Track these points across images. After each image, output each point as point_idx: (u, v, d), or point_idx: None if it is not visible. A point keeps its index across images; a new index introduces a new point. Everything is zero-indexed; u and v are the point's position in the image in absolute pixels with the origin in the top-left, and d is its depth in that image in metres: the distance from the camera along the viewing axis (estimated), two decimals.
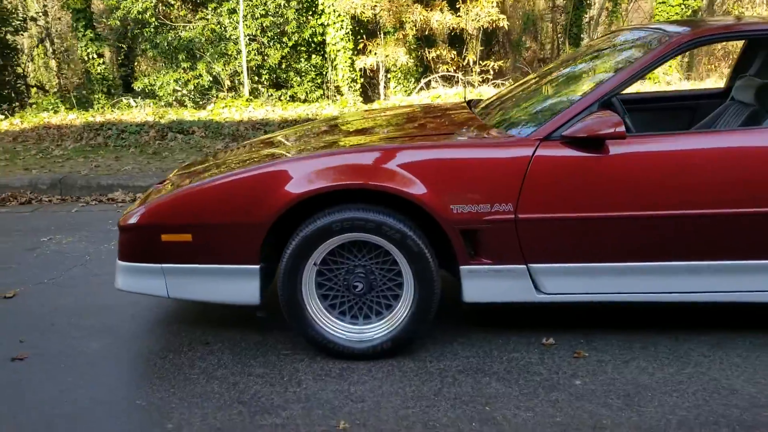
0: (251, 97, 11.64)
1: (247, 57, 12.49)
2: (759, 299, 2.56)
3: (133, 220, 2.66)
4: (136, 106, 9.73)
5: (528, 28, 14.34)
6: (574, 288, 2.58)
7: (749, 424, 2.12)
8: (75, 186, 5.67)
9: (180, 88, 12.60)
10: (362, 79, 11.78)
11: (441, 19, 9.36)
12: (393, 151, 2.54)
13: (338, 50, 11.74)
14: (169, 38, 12.37)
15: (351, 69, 11.95)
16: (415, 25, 9.46)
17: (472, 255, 2.55)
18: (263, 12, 12.72)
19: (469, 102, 3.54)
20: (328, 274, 2.63)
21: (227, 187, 2.58)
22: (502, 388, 2.40)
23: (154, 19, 12.54)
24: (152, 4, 12.32)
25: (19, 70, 17.95)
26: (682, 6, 10.80)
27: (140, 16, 12.39)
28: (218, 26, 12.94)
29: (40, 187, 5.73)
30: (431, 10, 9.57)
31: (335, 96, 12.79)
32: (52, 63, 19.67)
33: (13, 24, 16.65)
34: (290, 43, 13.04)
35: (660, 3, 11.01)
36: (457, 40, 11.94)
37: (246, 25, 12.61)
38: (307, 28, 13.00)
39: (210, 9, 13.20)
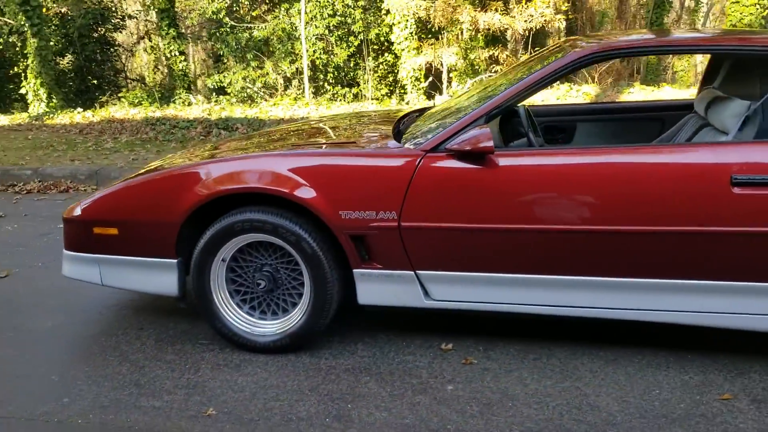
0: (312, 95, 12.00)
1: (313, 56, 12.86)
2: (640, 317, 2.53)
3: (72, 214, 2.95)
4: (196, 103, 10.26)
5: (602, 27, 13.94)
6: (460, 296, 2.65)
7: None
8: (109, 177, 6.14)
9: (250, 86, 13.14)
10: (426, 78, 11.82)
11: (488, 20, 9.32)
12: (290, 157, 2.69)
13: (402, 49, 11.89)
14: (240, 37, 12.92)
15: (414, 68, 12.07)
16: (464, 26, 9.47)
17: (366, 259, 2.67)
18: (331, 12, 13.05)
19: (415, 112, 3.62)
20: (239, 271, 2.82)
21: (145, 187, 2.82)
22: (376, 388, 2.51)
23: (227, 18, 13.13)
24: (225, 5, 12.91)
25: (119, 65, 19.23)
26: (757, 6, 10.21)
27: (215, 16, 13.02)
28: (290, 26, 13.40)
29: (78, 177, 6.24)
30: (484, 10, 9.54)
31: (402, 94, 12.96)
32: (147, 59, 20.86)
33: (113, 22, 17.83)
34: (356, 42, 13.31)
35: (733, 3, 10.45)
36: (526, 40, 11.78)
37: (315, 25, 12.99)
38: (374, 27, 13.23)
39: (283, 9, 13.69)
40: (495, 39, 10.85)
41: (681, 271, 2.43)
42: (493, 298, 2.62)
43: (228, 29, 13.66)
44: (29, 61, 12.30)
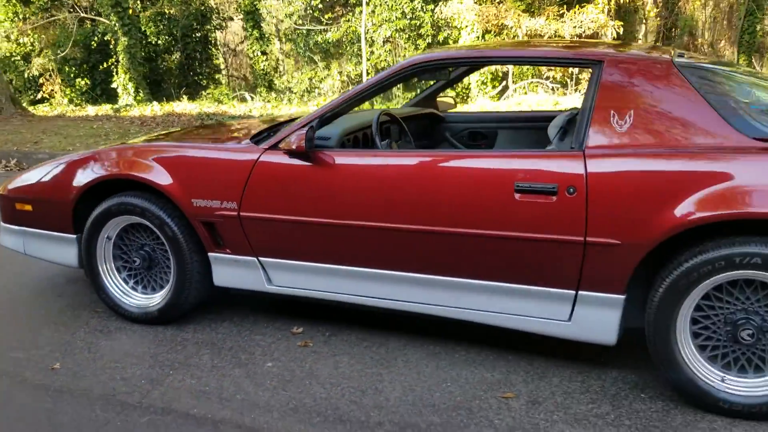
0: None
1: (378, 57, 13.19)
2: (440, 313, 2.65)
3: (2, 191, 3.41)
4: (251, 100, 10.84)
5: (683, 34, 13.38)
6: (296, 283, 2.87)
7: (325, 412, 2.31)
8: None
9: (318, 84, 13.67)
10: (501, 82, 11.78)
11: (531, 25, 9.25)
12: (156, 148, 3.01)
13: None
14: (310, 40, 13.46)
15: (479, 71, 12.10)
16: (514, 30, 9.44)
17: (221, 245, 2.95)
18: (400, 15, 13.34)
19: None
20: (124, 249, 3.18)
21: (51, 170, 3.23)
22: (207, 359, 2.78)
23: (300, 20, 13.72)
24: (299, 8, 13.50)
25: (217, 62, 20.42)
26: None
27: (288, 19, 13.64)
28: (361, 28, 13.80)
29: None
30: (532, 15, 9.49)
31: (465, 97, 13.03)
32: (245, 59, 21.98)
33: (213, 23, 18.98)
34: (423, 45, 13.52)
35: None
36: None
37: (387, 27, 13.33)
38: (443, 31, 13.39)
39: (357, 12, 14.12)
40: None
41: (475, 271, 2.53)
42: (322, 287, 2.82)
43: (304, 31, 14.25)
44: (120, 58, 13.40)
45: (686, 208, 2.18)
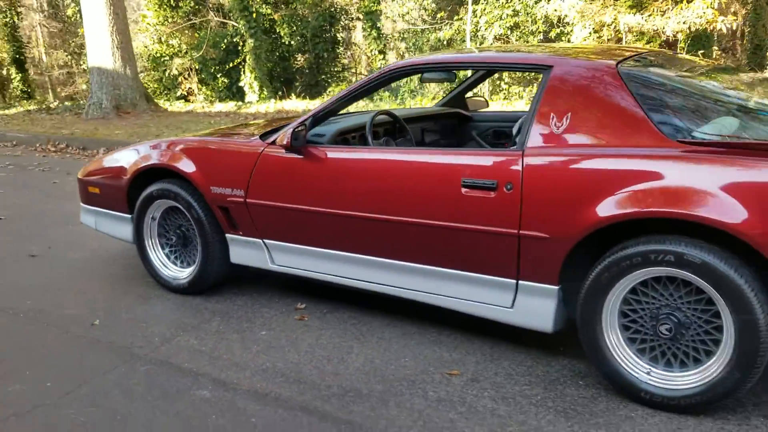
0: (490, 93, 12.48)
1: None
2: (417, 298, 2.90)
3: (79, 175, 4.07)
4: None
5: None
6: (295, 264, 3.24)
7: (288, 374, 2.65)
8: None
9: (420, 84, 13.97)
10: None
11: (628, 21, 9.00)
12: (190, 141, 3.50)
13: None
14: (422, 39, 13.80)
15: None
16: (614, 27, 9.25)
17: (235, 227, 3.39)
18: (512, 13, 13.37)
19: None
20: (166, 228, 3.70)
21: (111, 159, 3.82)
22: (215, 325, 3.22)
23: (414, 21, 14.09)
24: (412, 8, 13.88)
25: (345, 61, 21.28)
26: None
27: (401, 18, 14.06)
28: (475, 27, 13.96)
29: None
30: (635, 12, 9.23)
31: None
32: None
33: (342, 23, 19.82)
34: (535, 42, 13.44)
35: None
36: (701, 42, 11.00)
37: (499, 25, 13.41)
38: (554, 28, 13.25)
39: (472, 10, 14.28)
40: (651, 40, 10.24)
41: (432, 258, 2.78)
42: (312, 268, 3.17)
43: (418, 30, 14.62)
44: (247, 58, 14.45)
45: (606, 206, 2.31)
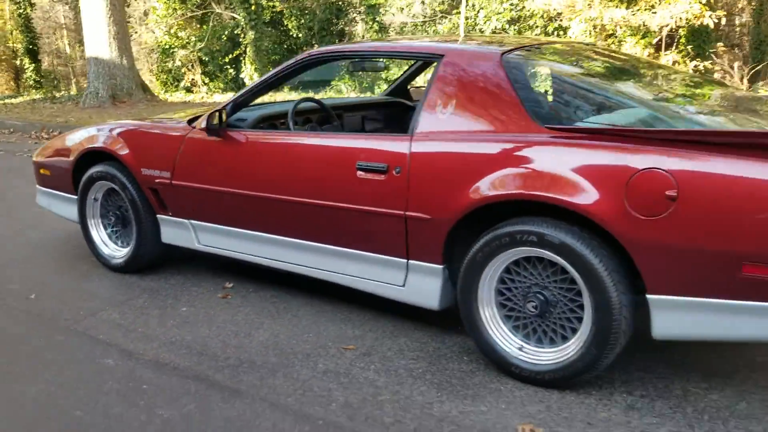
0: None
1: None
2: (322, 277, 3.02)
3: (33, 158, 4.24)
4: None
5: None
6: (217, 244, 3.37)
7: (194, 346, 2.79)
8: None
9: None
10: None
11: (613, 16, 9.00)
12: (126, 125, 3.65)
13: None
14: (422, 32, 13.88)
15: None
16: (597, 21, 9.26)
17: (165, 208, 3.53)
18: (510, 7, 13.39)
19: None
20: (107, 208, 3.85)
21: (59, 141, 3.98)
22: (141, 302, 3.36)
23: (415, 14, 14.18)
24: (412, 1, 13.96)
25: None
26: None
27: (400, 11, 14.15)
28: (470, 20, 14.00)
29: None
30: (624, 5, 9.23)
31: None
32: None
33: (349, 17, 19.88)
34: (532, 36, 13.45)
35: None
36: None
37: (497, 19, 13.43)
38: (552, 22, 13.27)
39: (469, 4, 14.31)
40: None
41: (333, 238, 2.90)
42: (234, 248, 3.30)
43: (419, 23, 14.70)
44: (246, 50, 14.61)
45: (477, 189, 2.42)
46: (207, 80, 17.06)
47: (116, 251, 3.80)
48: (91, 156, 3.78)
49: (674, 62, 10.03)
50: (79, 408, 2.39)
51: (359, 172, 2.72)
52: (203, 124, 3.18)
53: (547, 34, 13.34)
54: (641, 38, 10.30)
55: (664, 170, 2.10)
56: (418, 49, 2.88)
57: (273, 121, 3.46)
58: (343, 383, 2.52)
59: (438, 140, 2.56)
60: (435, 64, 2.75)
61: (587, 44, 3.49)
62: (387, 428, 2.23)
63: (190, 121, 3.42)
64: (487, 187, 2.40)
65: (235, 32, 15.85)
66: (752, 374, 2.51)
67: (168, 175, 3.37)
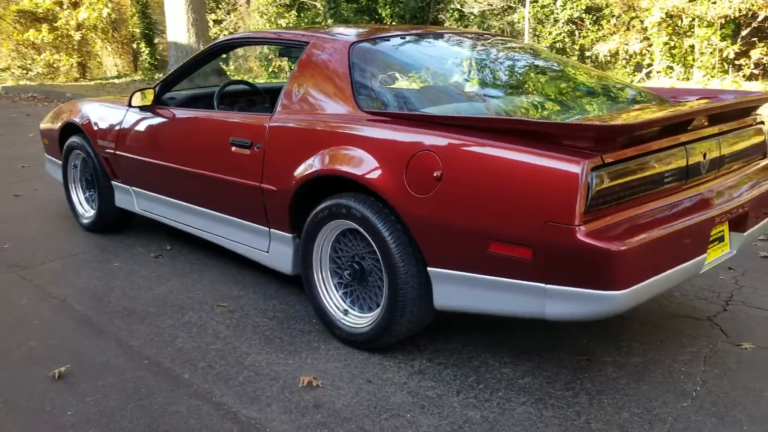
0: None
1: (556, 38, 13.13)
2: (209, 239, 3.37)
3: (40, 126, 4.85)
4: None
5: None
6: (148, 208, 3.80)
7: (101, 296, 3.21)
8: None
9: None
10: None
11: (664, 6, 8.63)
12: (90, 100, 4.14)
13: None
14: (487, 20, 13.86)
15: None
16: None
17: (116, 175, 4.00)
18: None
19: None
20: (84, 174, 4.38)
21: (54, 114, 4.56)
22: (89, 260, 3.86)
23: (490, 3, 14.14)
24: None
25: None
26: None
27: (477, 2, 14.14)
28: (545, 10, 13.81)
29: None
30: None
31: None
32: None
33: (440, 4, 20.00)
34: (607, 25, 13.09)
35: None
36: None
37: (570, 8, 13.21)
38: (628, 12, 12.86)
39: None
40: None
41: (215, 205, 3.23)
42: (156, 212, 3.70)
43: (495, 12, 14.66)
44: None
45: (303, 166, 2.68)
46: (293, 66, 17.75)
47: (86, 212, 4.31)
48: (71, 127, 4.30)
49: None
50: None
51: (232, 147, 3.03)
52: (132, 102, 3.59)
53: (623, 23, 12.92)
54: (719, 28, 9.82)
55: (434, 152, 2.27)
56: (293, 37, 3.14)
57: (205, 101, 3.82)
58: (191, 333, 2.85)
59: (285, 120, 2.82)
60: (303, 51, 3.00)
61: (490, 35, 3.60)
62: (196, 370, 2.54)
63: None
64: (308, 164, 2.64)
65: (317, 21, 16.41)
66: (555, 355, 2.60)
67: (113, 146, 3.82)
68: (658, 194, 2.25)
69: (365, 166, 2.44)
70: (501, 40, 3.55)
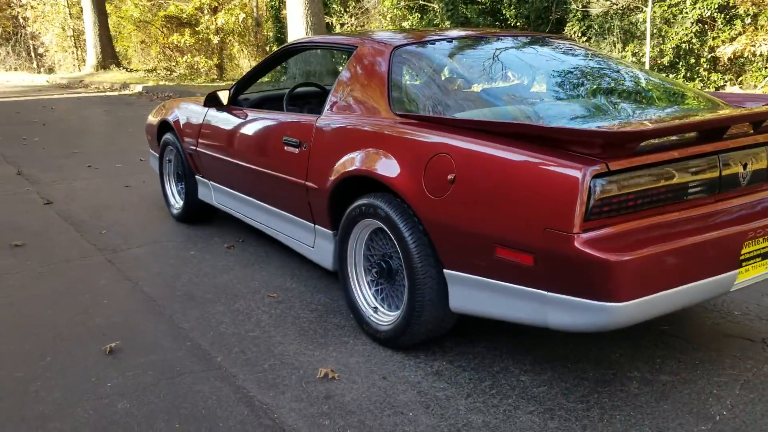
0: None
1: (683, 39, 12.46)
2: (270, 234, 3.55)
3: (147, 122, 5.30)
4: None
5: None
6: (226, 203, 4.05)
7: (169, 282, 3.48)
8: None
9: None
10: None
11: None
12: (180, 101, 4.47)
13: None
14: (609, 21, 13.34)
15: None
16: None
17: (199, 170, 4.31)
18: None
19: None
20: (176, 167, 4.75)
21: (154, 113, 4.96)
22: (170, 246, 4.19)
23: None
24: None
25: None
26: None
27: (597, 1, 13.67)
28: (672, 9, 13.11)
29: None
30: None
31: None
32: None
33: (566, 5, 19.52)
34: (740, 26, 12.24)
35: None
36: None
37: (700, 6, 12.49)
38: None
39: None
40: None
41: (274, 201, 3.41)
42: (242, 211, 3.91)
43: (616, 11, 14.11)
44: None
45: (338, 167, 2.78)
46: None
47: (177, 203, 4.66)
48: (165, 125, 4.66)
49: None
50: (58, 298, 3.20)
51: (285, 147, 3.19)
52: (210, 102, 3.85)
53: (759, 23, 12.01)
54: None
55: (449, 155, 2.30)
56: (342, 42, 3.24)
57: (277, 102, 4.02)
58: (236, 320, 3.04)
59: (330, 121, 2.94)
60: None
61: (547, 37, 3.51)
62: (230, 354, 2.71)
63: None
64: (342, 164, 2.74)
65: (434, 23, 16.48)
66: (579, 366, 2.54)
67: (195, 142, 4.12)
68: (682, 205, 2.15)
69: (389, 166, 2.50)
70: (559, 43, 3.47)
